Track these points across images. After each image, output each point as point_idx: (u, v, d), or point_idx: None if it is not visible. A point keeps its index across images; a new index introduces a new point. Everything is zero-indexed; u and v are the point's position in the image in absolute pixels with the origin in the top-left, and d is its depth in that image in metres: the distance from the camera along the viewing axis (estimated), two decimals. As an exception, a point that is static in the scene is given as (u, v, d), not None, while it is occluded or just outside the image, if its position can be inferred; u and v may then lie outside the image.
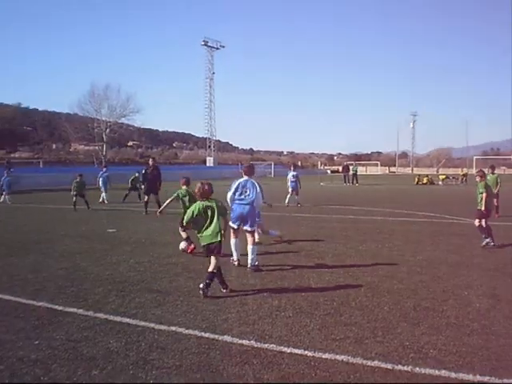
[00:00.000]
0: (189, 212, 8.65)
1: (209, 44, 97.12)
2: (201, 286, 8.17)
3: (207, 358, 5.55)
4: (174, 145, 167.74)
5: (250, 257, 10.21)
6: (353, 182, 51.88)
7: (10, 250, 12.86)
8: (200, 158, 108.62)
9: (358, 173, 55.26)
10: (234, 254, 10.71)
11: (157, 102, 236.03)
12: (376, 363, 5.44)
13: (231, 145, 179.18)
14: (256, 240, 11.00)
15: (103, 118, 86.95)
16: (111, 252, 12.30)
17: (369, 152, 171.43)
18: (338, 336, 6.25)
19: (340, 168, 76.32)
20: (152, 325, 6.66)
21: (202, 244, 8.57)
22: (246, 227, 10.59)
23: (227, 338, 6.17)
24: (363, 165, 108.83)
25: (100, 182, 31.40)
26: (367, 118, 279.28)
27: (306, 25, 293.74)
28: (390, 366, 5.36)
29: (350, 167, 56.10)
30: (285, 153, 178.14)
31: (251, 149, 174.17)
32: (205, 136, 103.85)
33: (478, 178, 13.59)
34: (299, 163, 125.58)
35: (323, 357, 5.61)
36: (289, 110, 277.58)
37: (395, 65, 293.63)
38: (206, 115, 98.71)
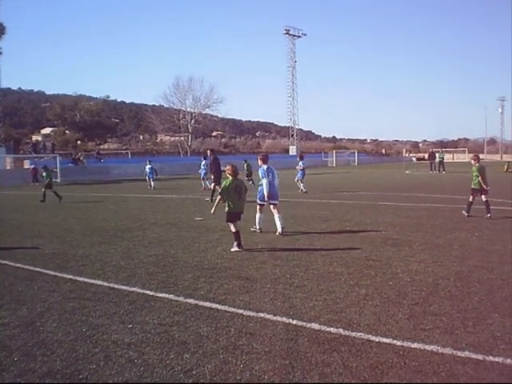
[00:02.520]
0: (224, 184, 11.17)
1: (290, 32, 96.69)
2: (235, 245, 11.07)
3: (295, 345, 5.60)
4: (257, 134, 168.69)
5: (279, 223, 13.28)
6: (439, 170, 50.49)
7: (103, 237, 13.36)
8: (283, 147, 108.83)
9: (445, 160, 53.70)
10: (258, 225, 13.67)
11: (240, 91, 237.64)
12: (466, 354, 5.33)
13: (314, 133, 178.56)
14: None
15: (188, 109, 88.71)
16: (199, 239, 12.56)
17: (455, 139, 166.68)
18: (427, 326, 6.16)
19: (426, 155, 74.58)
20: (240, 311, 6.77)
21: (230, 211, 11.17)
22: (273, 202, 13.54)
23: (315, 326, 6.19)
24: (450, 152, 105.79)
25: (202, 171, 32.50)
26: (454, 104, 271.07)
27: (388, 6, 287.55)
28: (480, 357, 5.24)
29: (437, 154, 54.54)
30: (368, 140, 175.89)
31: (334, 137, 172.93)
32: (287, 125, 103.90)
33: (472, 162, 16.53)
34: (383, 151, 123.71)
35: (412, 346, 5.54)
36: (372, 96, 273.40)
37: (483, 47, 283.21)
38: (289, 104, 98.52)
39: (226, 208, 11.24)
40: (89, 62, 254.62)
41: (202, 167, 32.13)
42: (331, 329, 6.07)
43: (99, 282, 8.54)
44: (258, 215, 13.73)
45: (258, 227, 13.66)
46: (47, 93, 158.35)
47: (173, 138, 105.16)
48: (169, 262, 10.08)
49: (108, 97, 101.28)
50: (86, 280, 8.71)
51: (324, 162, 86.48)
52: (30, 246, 12.38)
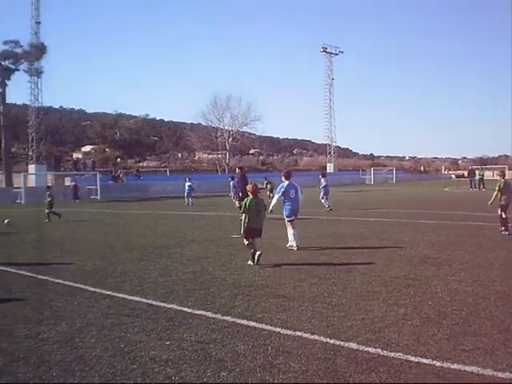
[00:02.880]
0: (245, 202, 11.77)
1: (327, 50, 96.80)
2: (251, 262, 11.47)
3: (333, 365, 5.54)
4: (295, 152, 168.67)
5: (292, 238, 13.78)
6: (479, 187, 49.67)
7: (142, 254, 13.49)
8: (320, 165, 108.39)
9: (485, 177, 52.83)
10: (294, 242, 13.70)
11: (277, 109, 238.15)
12: (507, 375, 5.20)
13: (351, 150, 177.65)
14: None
15: (226, 127, 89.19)
16: (236, 257, 12.57)
17: (496, 155, 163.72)
18: (467, 346, 6.03)
19: (465, 173, 73.51)
20: (278, 329, 6.74)
21: (249, 227, 11.58)
22: (293, 218, 13.90)
23: (353, 345, 6.12)
24: (490, 169, 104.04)
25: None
26: (494, 120, 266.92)
27: (424, 24, 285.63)
28: (522, 379, 5.12)
29: (476, 171, 53.77)
30: (406, 158, 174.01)
31: (371, 154, 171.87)
32: (324, 142, 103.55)
33: (498, 177, 17.22)
34: (422, 168, 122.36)
35: (452, 367, 5.43)
36: (410, 113, 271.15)
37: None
38: (326, 121, 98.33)
39: (245, 224, 11.65)
40: (129, 81, 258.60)
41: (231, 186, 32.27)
42: (369, 348, 6.00)
43: (138, 299, 8.61)
44: (290, 232, 13.93)
45: (294, 244, 13.74)
46: (88, 111, 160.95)
47: (210, 156, 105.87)
48: (206, 279, 10.11)
49: (147, 115, 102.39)
50: (124, 296, 8.79)
51: (362, 179, 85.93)
52: (70, 261, 12.56)
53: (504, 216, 16.20)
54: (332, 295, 8.48)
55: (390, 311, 7.52)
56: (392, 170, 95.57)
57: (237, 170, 25.13)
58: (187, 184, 35.52)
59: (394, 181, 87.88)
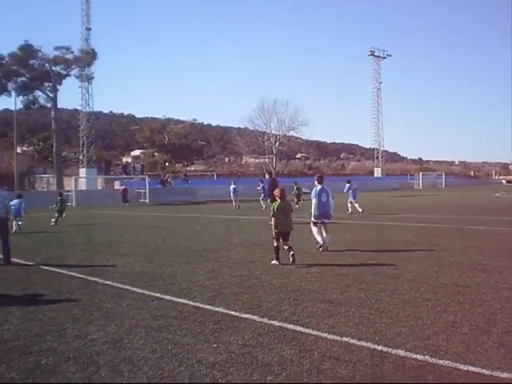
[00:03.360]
0: (273, 206, 12.53)
1: (375, 54, 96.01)
2: (274, 258, 12.26)
3: (380, 371, 5.48)
4: (342, 156, 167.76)
5: (327, 240, 14.34)
6: (532, 193, 48.62)
7: (189, 257, 13.61)
8: (367, 169, 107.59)
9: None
10: (319, 239, 14.35)
11: (324, 113, 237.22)
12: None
13: (399, 155, 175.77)
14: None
15: (273, 132, 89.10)
16: (283, 261, 12.55)
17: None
18: (519, 355, 5.90)
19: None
20: (325, 334, 6.70)
21: (278, 230, 12.28)
22: (326, 220, 14.52)
23: (400, 352, 6.04)
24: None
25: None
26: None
27: (476, 24, 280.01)
28: None
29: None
30: (456, 162, 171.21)
31: (420, 158, 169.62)
32: (372, 147, 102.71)
33: None
34: (472, 173, 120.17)
35: (502, 376, 5.31)
36: (459, 117, 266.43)
37: None
38: (374, 125, 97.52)
39: (274, 227, 12.40)
40: (177, 87, 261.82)
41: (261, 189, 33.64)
42: (417, 356, 5.91)
43: (185, 301, 8.69)
44: (314, 230, 14.57)
45: (320, 244, 14.39)
46: (137, 116, 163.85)
47: (257, 160, 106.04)
48: (253, 283, 10.13)
49: (195, 120, 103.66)
50: (172, 298, 8.89)
51: (410, 184, 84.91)
52: (119, 264, 12.77)
53: None
54: (380, 301, 8.40)
55: (439, 318, 7.40)
56: (441, 174, 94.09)
57: (266, 175, 25.67)
58: (231, 187, 35.95)
59: (443, 186, 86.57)
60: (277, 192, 12.73)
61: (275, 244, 12.44)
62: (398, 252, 13.86)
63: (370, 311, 7.79)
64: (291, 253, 12.13)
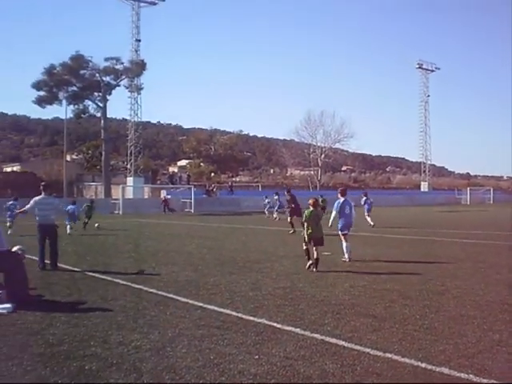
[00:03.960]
0: (306, 213, 13.40)
1: (423, 67, 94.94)
2: (315, 268, 12.87)
3: (424, 389, 5.41)
4: (388, 169, 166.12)
5: (348, 249, 14.75)
6: None
7: (233, 268, 13.66)
8: (414, 183, 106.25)
9: None
10: (346, 254, 14.71)
11: (370, 126, 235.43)
12: None
13: (446, 169, 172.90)
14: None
15: (318, 144, 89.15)
16: (326, 274, 12.49)
17: None
18: None
19: None
20: (367, 350, 6.63)
21: (310, 235, 13.05)
22: (347, 232, 14.96)
23: (444, 370, 5.93)
24: None
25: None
26: None
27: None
28: None
29: None
30: (505, 177, 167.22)
31: (468, 173, 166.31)
32: (419, 160, 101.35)
33: None
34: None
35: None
36: (507, 131, 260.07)
37: None
38: (421, 139, 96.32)
39: (308, 232, 13.19)
40: (224, 98, 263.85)
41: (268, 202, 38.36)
42: (462, 374, 5.80)
43: (228, 311, 8.72)
44: (344, 244, 14.87)
45: (346, 256, 14.77)
46: (184, 126, 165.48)
47: (302, 172, 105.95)
48: (296, 295, 10.10)
49: (241, 131, 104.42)
50: (215, 308, 8.93)
51: (457, 199, 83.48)
52: (164, 272, 12.90)
53: None
54: (424, 317, 8.27)
55: (485, 337, 7.25)
56: (489, 189, 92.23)
57: (285, 192, 28.25)
58: (274, 198, 36.25)
59: (492, 201, 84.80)
60: (311, 201, 13.73)
61: (304, 247, 13.43)
62: (444, 268, 13.64)
63: (414, 327, 7.68)
64: (315, 263, 13.00)
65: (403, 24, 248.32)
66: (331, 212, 15.17)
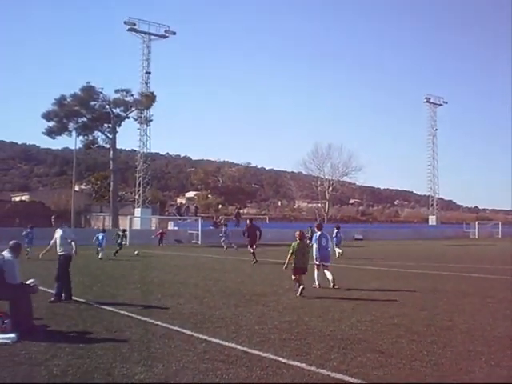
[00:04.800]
0: (293, 246, 14.68)
1: (431, 101, 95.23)
2: (297, 289, 14.40)
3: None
4: (396, 203, 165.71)
5: (330, 278, 16.20)
6: None
7: (239, 300, 13.59)
8: (422, 217, 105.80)
9: None
10: (316, 282, 16.18)
11: (378, 159, 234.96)
12: None
13: (455, 203, 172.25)
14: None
15: (326, 177, 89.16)
16: (333, 308, 12.41)
17: None
18: None
19: None
20: (374, 386, 6.55)
21: (295, 266, 14.54)
22: (326, 263, 16.49)
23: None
24: None
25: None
26: None
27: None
28: None
29: None
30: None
31: (476, 207, 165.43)
32: (427, 194, 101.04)
33: None
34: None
35: None
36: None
37: None
38: (429, 173, 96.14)
39: (293, 264, 14.63)
40: (232, 130, 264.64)
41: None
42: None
43: (233, 345, 8.64)
44: (316, 272, 16.33)
45: (316, 283, 16.21)
46: (193, 158, 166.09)
47: (310, 205, 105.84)
48: (302, 329, 10.02)
49: (249, 163, 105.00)
50: (220, 342, 8.86)
51: (466, 233, 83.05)
52: (170, 304, 12.85)
53: None
54: (431, 353, 8.17)
55: (492, 373, 7.15)
56: (498, 223, 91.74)
57: (247, 221, 30.13)
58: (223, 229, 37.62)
59: (500, 235, 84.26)
60: (298, 234, 15.15)
61: (293, 278, 14.76)
62: (452, 303, 13.53)
63: (421, 363, 7.59)
64: (302, 288, 14.35)
65: (411, 58, 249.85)
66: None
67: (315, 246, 16.31)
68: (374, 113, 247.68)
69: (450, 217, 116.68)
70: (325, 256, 16.43)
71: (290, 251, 14.69)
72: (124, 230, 34.88)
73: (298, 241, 14.87)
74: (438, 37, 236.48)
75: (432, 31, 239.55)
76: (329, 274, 16.33)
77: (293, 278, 14.74)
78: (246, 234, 28.30)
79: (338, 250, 29.48)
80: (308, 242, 17.32)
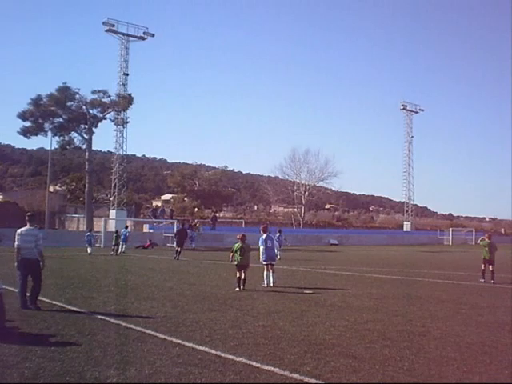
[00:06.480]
0: (234, 247, 17.06)
1: (407, 108, 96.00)
2: (236, 286, 16.65)
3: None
4: (371, 208, 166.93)
5: (271, 279, 17.71)
6: None
7: (213, 304, 13.54)
8: (396, 223, 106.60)
9: None
10: (266, 281, 17.74)
11: (354, 165, 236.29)
12: None
13: (429, 210, 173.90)
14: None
15: (302, 182, 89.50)
16: (307, 313, 12.43)
17: None
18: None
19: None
20: (347, 391, 6.56)
21: (237, 264, 16.78)
22: (272, 262, 17.96)
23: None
24: None
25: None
26: None
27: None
28: None
29: None
30: (487, 219, 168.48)
31: (450, 214, 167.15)
32: (402, 200, 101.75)
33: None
34: (503, 230, 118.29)
35: None
36: (491, 173, 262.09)
37: None
38: (404, 179, 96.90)
39: (236, 262, 16.82)
40: (209, 134, 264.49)
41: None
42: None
43: (207, 349, 8.60)
44: (265, 273, 17.88)
45: (265, 283, 17.70)
46: (169, 161, 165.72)
47: (286, 210, 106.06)
48: (276, 334, 10.01)
49: (226, 167, 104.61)
50: (194, 346, 8.80)
51: (440, 239, 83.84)
52: (143, 307, 12.76)
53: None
54: (404, 359, 8.21)
55: (464, 379, 7.21)
56: (471, 231, 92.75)
57: (179, 225, 40.78)
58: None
59: (474, 242, 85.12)
60: (240, 236, 17.21)
61: (237, 275, 16.76)
62: (425, 309, 13.63)
63: (394, 369, 7.62)
64: (243, 282, 16.65)
65: (389, 64, 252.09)
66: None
67: (262, 247, 17.77)
68: (350, 119, 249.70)
69: (425, 223, 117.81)
70: (272, 256, 17.97)
71: (233, 252, 17.04)
72: (117, 231, 37.24)
73: (239, 242, 16.97)
74: (417, 44, 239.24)
75: (412, 37, 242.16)
76: (271, 276, 17.74)
77: (237, 274, 16.78)
78: (177, 236, 34.65)
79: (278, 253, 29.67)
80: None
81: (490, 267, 21.17)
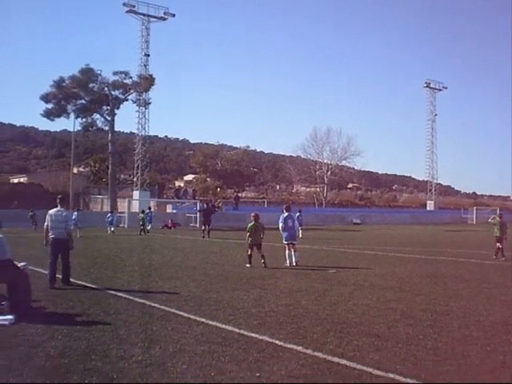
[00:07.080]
0: (249, 226, 17.57)
1: (431, 86, 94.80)
2: (248, 263, 17.25)
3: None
4: (394, 188, 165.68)
5: (295, 258, 17.69)
6: None
7: (236, 284, 13.62)
8: (420, 202, 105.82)
9: None
10: (288, 260, 17.74)
11: (377, 144, 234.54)
12: None
13: (453, 188, 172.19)
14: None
15: (325, 161, 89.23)
16: (330, 292, 12.45)
17: None
18: None
19: None
20: (369, 369, 6.56)
21: (251, 242, 17.34)
22: (294, 242, 18.04)
23: (447, 391, 5.89)
24: None
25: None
26: None
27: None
28: None
29: None
30: (511, 197, 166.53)
31: (474, 193, 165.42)
32: (425, 179, 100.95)
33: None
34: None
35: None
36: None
37: None
38: (428, 158, 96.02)
39: (249, 240, 17.39)
40: (231, 113, 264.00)
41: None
42: (465, 396, 5.75)
43: (230, 328, 8.67)
44: (286, 252, 17.99)
45: (288, 262, 17.71)
46: (191, 141, 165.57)
47: (308, 189, 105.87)
48: (299, 312, 10.05)
49: (248, 147, 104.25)
50: (217, 324, 8.89)
51: (463, 218, 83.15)
52: (167, 287, 12.88)
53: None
54: (427, 338, 8.21)
55: (487, 358, 7.19)
56: (495, 209, 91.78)
57: (204, 204, 41.94)
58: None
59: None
60: (253, 215, 17.98)
61: (249, 252, 17.36)
62: (448, 288, 13.57)
63: (417, 348, 7.62)
64: (263, 261, 17.01)
65: (412, 43, 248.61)
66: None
67: (281, 224, 17.96)
68: (373, 97, 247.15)
69: (449, 202, 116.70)
70: (293, 235, 18.09)
71: (247, 231, 17.58)
72: (143, 211, 38.32)
73: (253, 222, 17.63)
74: (439, 23, 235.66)
75: (433, 17, 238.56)
76: (294, 255, 17.76)
77: (249, 252, 17.35)
78: (204, 215, 35.00)
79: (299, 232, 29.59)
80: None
81: (499, 244, 22.44)
